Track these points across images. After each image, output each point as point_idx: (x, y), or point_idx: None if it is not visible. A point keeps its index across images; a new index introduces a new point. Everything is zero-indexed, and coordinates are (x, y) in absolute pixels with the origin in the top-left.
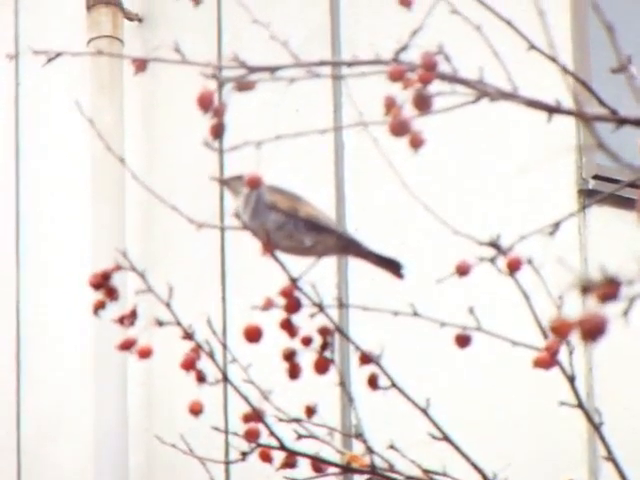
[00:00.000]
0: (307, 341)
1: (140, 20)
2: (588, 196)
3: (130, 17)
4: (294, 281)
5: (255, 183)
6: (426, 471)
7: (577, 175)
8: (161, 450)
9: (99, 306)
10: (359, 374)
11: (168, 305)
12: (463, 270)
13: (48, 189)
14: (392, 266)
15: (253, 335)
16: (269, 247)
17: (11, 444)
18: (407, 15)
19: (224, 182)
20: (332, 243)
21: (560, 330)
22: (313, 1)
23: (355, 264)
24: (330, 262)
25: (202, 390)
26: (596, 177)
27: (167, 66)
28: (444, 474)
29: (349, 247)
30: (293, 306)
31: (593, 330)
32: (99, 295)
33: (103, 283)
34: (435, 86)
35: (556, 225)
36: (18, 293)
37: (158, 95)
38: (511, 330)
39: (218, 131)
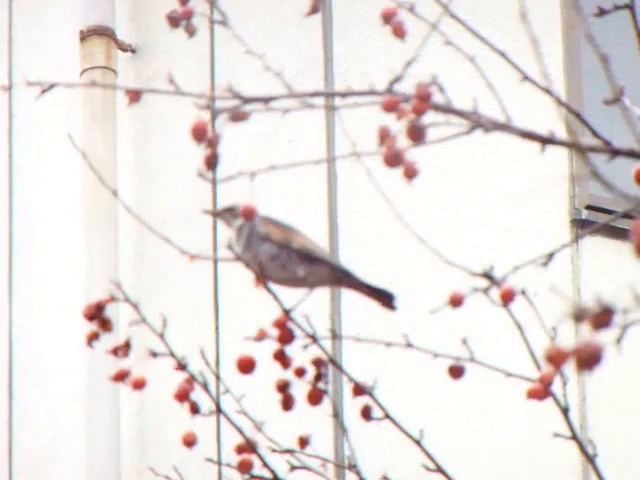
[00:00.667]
0: (300, 372)
1: (133, 51)
2: (581, 226)
3: (123, 48)
4: (287, 312)
5: (249, 214)
6: None
7: (570, 205)
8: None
9: (92, 337)
10: (352, 405)
11: (162, 336)
12: (456, 301)
13: (41, 220)
14: (384, 297)
15: (246, 366)
16: (262, 278)
17: (3, 477)
18: (401, 46)
19: (216, 214)
20: (325, 274)
21: (555, 359)
22: (306, 32)
23: (348, 295)
24: (323, 293)
25: (195, 421)
26: (589, 207)
27: (160, 97)
28: None
29: (342, 278)
30: (286, 337)
31: (589, 359)
32: (93, 326)
33: (97, 314)
34: (429, 117)
35: (549, 256)
36: (10, 325)
37: (151, 126)
38: (505, 361)
39: (212, 162)
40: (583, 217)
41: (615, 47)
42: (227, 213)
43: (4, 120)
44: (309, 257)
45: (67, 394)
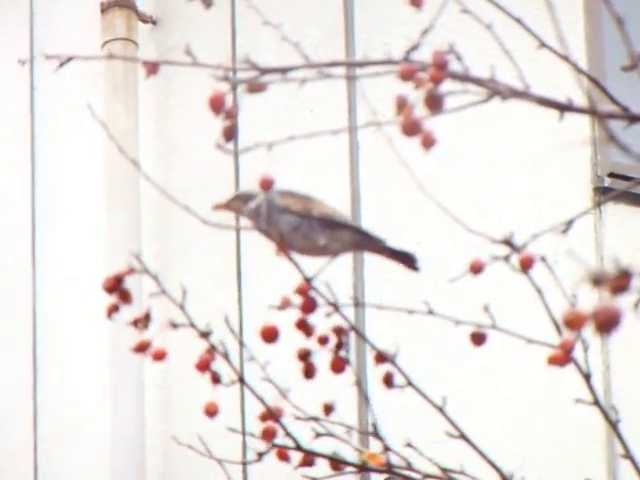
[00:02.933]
0: (323, 340)
1: (154, 22)
2: (604, 194)
3: (144, 19)
4: (309, 280)
5: (267, 184)
6: (443, 469)
7: (593, 173)
8: (178, 452)
9: (113, 309)
10: (376, 373)
11: (182, 307)
12: (477, 268)
13: (64, 192)
14: (407, 259)
15: (270, 335)
16: (283, 247)
17: (28, 446)
18: (420, 15)
19: (226, 206)
20: (348, 239)
21: (574, 323)
22: (327, 3)
23: (371, 263)
24: (346, 262)
25: (219, 391)
26: (612, 175)
27: (181, 68)
28: (461, 472)
29: (364, 242)
30: (308, 306)
31: (607, 322)
32: (113, 298)
33: (116, 286)
34: (446, 85)
35: (569, 223)
36: (34, 299)
37: (172, 97)
38: (526, 328)
39: (230, 133)
40: (606, 185)
41: (635, 12)
42: (237, 201)
43: (26, 93)
44: (331, 223)
45: (91, 367)
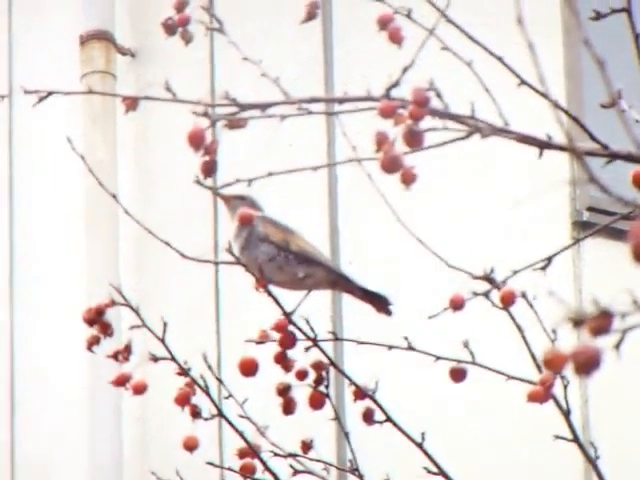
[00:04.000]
0: (302, 375)
1: (133, 55)
2: (582, 228)
3: (123, 52)
4: (287, 315)
5: (247, 220)
6: None
7: (572, 207)
8: None
9: (93, 342)
10: (355, 408)
11: (162, 340)
12: (457, 304)
13: (42, 224)
14: (380, 302)
15: (249, 368)
16: (262, 281)
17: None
18: (400, 50)
19: (225, 198)
20: (322, 277)
21: (553, 363)
22: (306, 36)
23: (349, 298)
24: (324, 295)
25: (197, 425)
26: (590, 209)
27: (161, 102)
28: None
29: (338, 281)
30: (287, 340)
31: (587, 363)
32: (93, 331)
33: (97, 319)
34: (426, 122)
35: (549, 259)
36: (12, 330)
37: (151, 129)
38: (506, 364)
39: (209, 169)
40: (584, 219)
41: (614, 51)
42: (235, 200)
43: (4, 124)
44: (307, 259)
45: (69, 399)
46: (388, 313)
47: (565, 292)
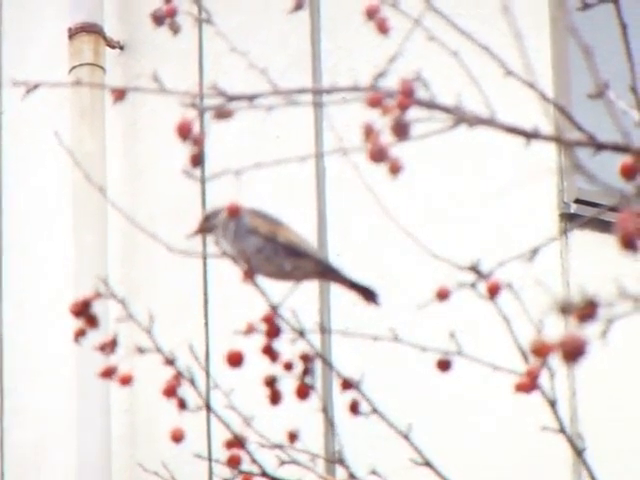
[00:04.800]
0: (288, 366)
1: (122, 48)
2: (570, 220)
3: (112, 45)
4: (274, 307)
5: (234, 212)
6: None
7: (559, 199)
8: (144, 478)
9: (80, 334)
10: (342, 400)
11: (149, 332)
12: (443, 295)
13: (30, 217)
14: (368, 293)
15: (235, 360)
16: (250, 273)
17: None
18: (387, 41)
19: (200, 230)
20: (310, 268)
21: (540, 351)
22: (294, 27)
23: (337, 289)
24: (312, 288)
25: (185, 417)
26: (578, 201)
27: (149, 94)
28: None
29: (327, 273)
30: (274, 332)
31: (573, 351)
32: (80, 323)
33: (83, 311)
34: (413, 112)
35: (535, 251)
36: (0, 322)
37: (140, 122)
38: (493, 355)
39: (197, 160)
40: (572, 211)
41: (601, 42)
42: (207, 222)
43: None
44: (294, 251)
45: (57, 391)
46: (376, 304)
47: (553, 285)
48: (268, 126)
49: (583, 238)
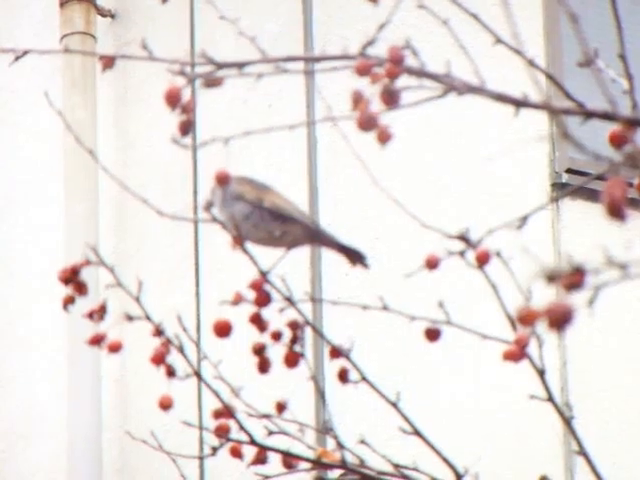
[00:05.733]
0: (277, 336)
1: (113, 16)
2: (561, 190)
3: (103, 14)
4: (264, 274)
5: (222, 180)
6: (397, 466)
7: (550, 169)
8: (135, 447)
9: (68, 301)
10: (333, 370)
11: (137, 300)
12: (432, 263)
13: (22, 186)
14: (357, 257)
15: (223, 330)
16: (239, 240)
17: None
18: (379, 10)
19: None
20: (299, 233)
21: (527, 319)
22: None
23: (328, 259)
24: (303, 257)
25: (176, 386)
26: (569, 171)
27: (140, 62)
28: (415, 469)
29: (315, 237)
30: (263, 300)
31: (560, 319)
32: (68, 290)
33: (72, 278)
34: (402, 80)
35: (524, 219)
36: None
37: (131, 91)
38: (481, 323)
39: (186, 128)
40: (563, 181)
41: (592, 12)
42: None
43: None
44: (282, 216)
45: (48, 361)
46: (365, 266)
47: (545, 254)
48: (259, 95)
49: (574, 208)
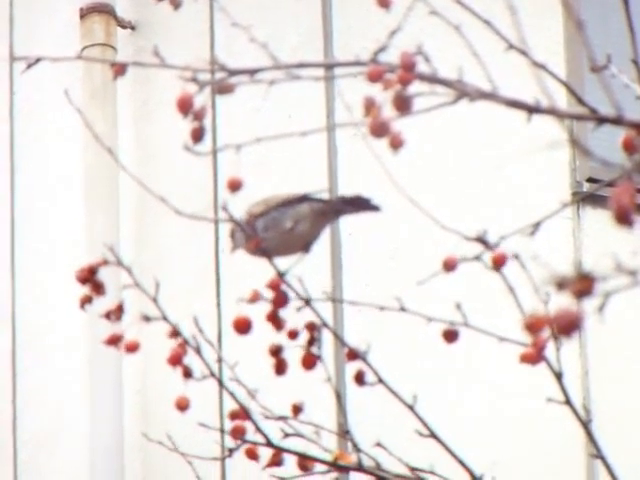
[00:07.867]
0: (293, 335)
1: (133, 28)
2: (583, 199)
3: (123, 25)
4: (281, 275)
5: (235, 186)
6: (413, 469)
7: (572, 178)
8: (157, 454)
9: (86, 301)
10: (352, 372)
11: (155, 300)
12: (450, 265)
13: (43, 197)
14: (364, 204)
15: (242, 327)
16: (255, 243)
17: (7, 453)
18: (397, 17)
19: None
20: (308, 211)
21: (534, 327)
22: (305, 8)
23: (349, 267)
24: (325, 266)
25: (197, 389)
26: (590, 180)
27: (161, 73)
28: (431, 472)
29: (323, 208)
30: (280, 300)
31: (567, 326)
32: (86, 290)
33: (89, 278)
34: (415, 87)
35: (536, 225)
36: (13, 301)
37: (152, 102)
38: (499, 326)
39: (198, 134)
40: (584, 190)
41: (607, 16)
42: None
43: (5, 98)
44: (286, 203)
45: (71, 369)
46: (376, 209)
47: (566, 263)
48: (279, 105)
49: (596, 217)
